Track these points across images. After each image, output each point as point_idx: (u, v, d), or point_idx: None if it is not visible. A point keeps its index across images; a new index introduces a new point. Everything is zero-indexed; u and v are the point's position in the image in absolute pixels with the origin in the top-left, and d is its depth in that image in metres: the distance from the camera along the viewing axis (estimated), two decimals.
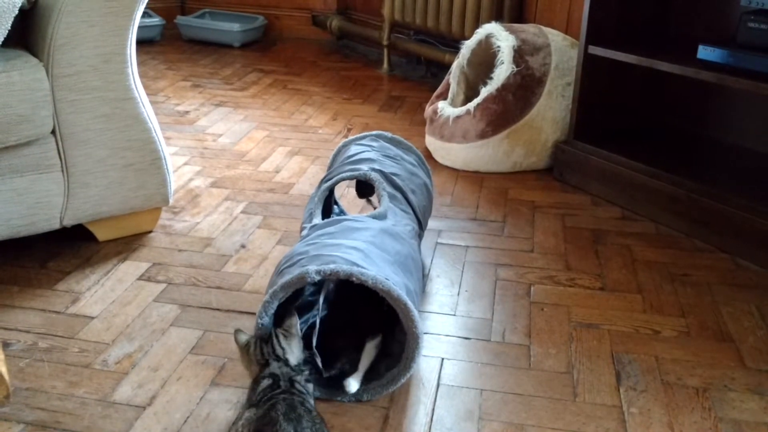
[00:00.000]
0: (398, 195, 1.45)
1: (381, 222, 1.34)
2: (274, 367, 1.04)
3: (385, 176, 1.46)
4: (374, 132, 1.65)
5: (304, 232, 1.36)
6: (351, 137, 1.66)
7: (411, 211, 1.46)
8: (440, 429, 1.14)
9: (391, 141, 1.63)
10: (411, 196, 1.47)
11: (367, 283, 1.11)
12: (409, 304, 1.13)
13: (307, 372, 1.07)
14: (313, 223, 1.36)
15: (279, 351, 1.06)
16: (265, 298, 1.15)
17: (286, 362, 1.06)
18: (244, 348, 1.10)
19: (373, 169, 1.46)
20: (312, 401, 1.04)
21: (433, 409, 1.18)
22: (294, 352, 1.08)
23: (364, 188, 1.57)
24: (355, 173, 1.45)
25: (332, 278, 1.14)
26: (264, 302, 1.14)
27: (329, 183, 1.47)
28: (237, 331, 1.11)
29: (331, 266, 1.12)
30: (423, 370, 1.27)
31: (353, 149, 1.57)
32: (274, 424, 0.93)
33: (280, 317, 1.18)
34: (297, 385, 1.02)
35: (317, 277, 1.12)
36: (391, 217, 1.37)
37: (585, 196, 2.01)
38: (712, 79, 1.67)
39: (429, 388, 1.22)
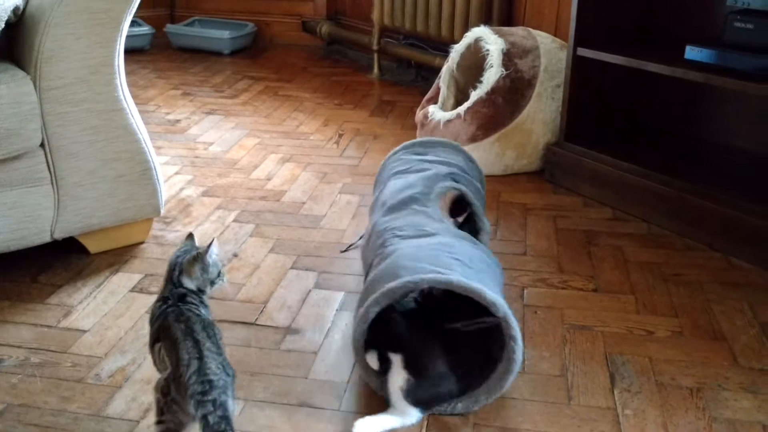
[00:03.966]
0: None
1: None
2: (167, 291, 1.09)
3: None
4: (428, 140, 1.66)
5: (435, 227, 1.34)
6: (408, 144, 1.66)
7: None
8: None
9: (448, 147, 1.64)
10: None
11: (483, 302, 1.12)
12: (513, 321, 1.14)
13: (205, 300, 1.10)
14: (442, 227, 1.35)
15: (174, 275, 1.10)
16: (375, 296, 1.14)
17: (179, 284, 1.09)
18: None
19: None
20: (205, 313, 1.08)
21: (428, 416, 1.17)
22: (196, 277, 1.09)
23: (458, 207, 1.56)
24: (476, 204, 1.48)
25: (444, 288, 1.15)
26: (375, 298, 1.14)
27: (450, 186, 1.46)
28: (190, 235, 1.16)
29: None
30: None
31: (434, 166, 1.53)
32: (167, 329, 1.02)
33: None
34: (189, 298, 1.07)
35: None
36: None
37: (576, 198, 2.01)
38: (699, 79, 1.68)
39: None
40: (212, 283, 1.12)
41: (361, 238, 1.68)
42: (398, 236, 1.31)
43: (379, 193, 1.54)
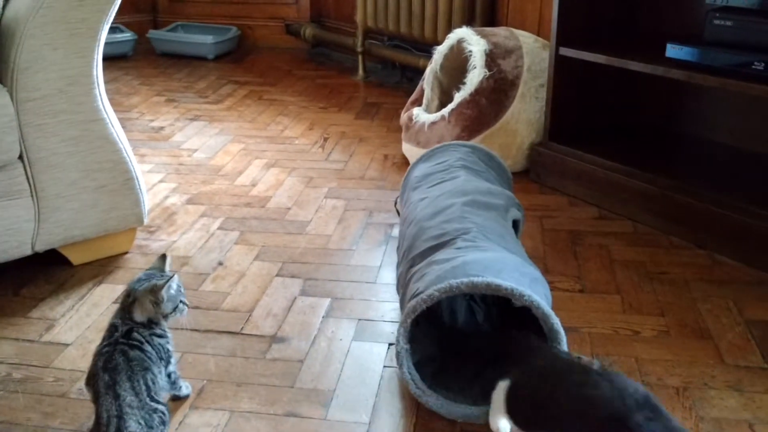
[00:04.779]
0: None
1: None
2: (116, 318, 1.10)
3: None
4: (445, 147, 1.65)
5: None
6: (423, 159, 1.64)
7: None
8: None
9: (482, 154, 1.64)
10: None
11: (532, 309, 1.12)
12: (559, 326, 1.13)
13: (159, 330, 1.11)
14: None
15: (127, 302, 1.11)
16: (439, 285, 1.12)
17: (129, 316, 1.10)
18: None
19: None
20: (155, 346, 1.09)
21: (415, 424, 1.17)
22: (147, 309, 1.10)
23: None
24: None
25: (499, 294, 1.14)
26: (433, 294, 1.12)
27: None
28: (163, 257, 1.17)
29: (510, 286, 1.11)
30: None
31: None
32: (95, 376, 1.03)
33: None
34: (135, 334, 1.08)
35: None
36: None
37: (562, 197, 2.01)
38: (681, 77, 1.68)
39: (412, 400, 1.22)
40: (166, 317, 1.11)
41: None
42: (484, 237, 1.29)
43: (451, 178, 1.52)
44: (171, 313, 1.12)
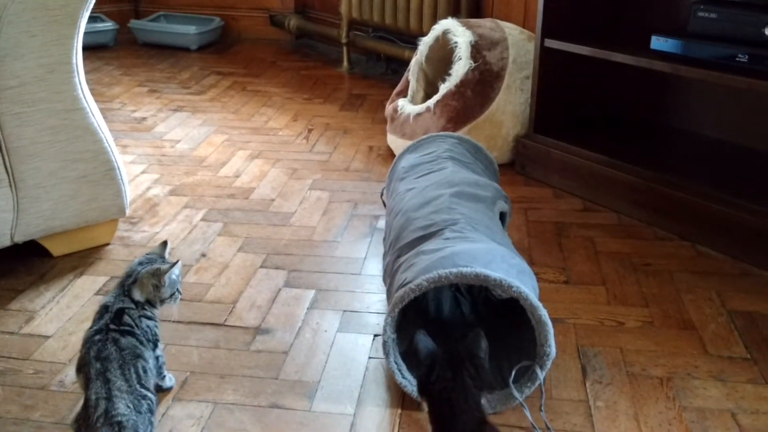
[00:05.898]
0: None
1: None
2: (110, 298, 1.09)
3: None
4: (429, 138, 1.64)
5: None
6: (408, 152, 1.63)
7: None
8: None
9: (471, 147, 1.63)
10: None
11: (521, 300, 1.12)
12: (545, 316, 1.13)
13: (149, 312, 1.11)
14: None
15: (127, 282, 1.10)
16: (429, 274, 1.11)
17: (128, 293, 1.09)
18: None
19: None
20: (143, 334, 1.07)
21: (400, 414, 1.17)
22: (148, 291, 1.10)
23: None
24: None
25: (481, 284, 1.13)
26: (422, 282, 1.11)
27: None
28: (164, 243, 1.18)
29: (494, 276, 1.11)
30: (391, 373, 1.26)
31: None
32: (87, 364, 1.01)
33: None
34: (125, 318, 1.06)
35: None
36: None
37: (547, 189, 2.01)
38: (665, 69, 1.69)
39: (397, 391, 1.21)
40: (162, 301, 1.11)
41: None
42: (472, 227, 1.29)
43: (439, 168, 1.51)
44: (168, 299, 1.12)
